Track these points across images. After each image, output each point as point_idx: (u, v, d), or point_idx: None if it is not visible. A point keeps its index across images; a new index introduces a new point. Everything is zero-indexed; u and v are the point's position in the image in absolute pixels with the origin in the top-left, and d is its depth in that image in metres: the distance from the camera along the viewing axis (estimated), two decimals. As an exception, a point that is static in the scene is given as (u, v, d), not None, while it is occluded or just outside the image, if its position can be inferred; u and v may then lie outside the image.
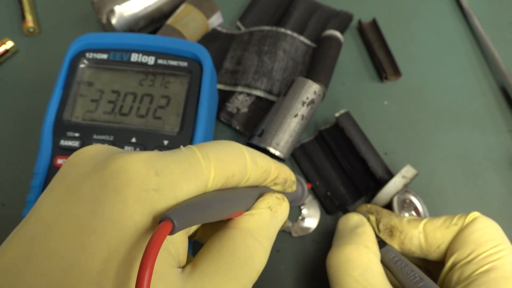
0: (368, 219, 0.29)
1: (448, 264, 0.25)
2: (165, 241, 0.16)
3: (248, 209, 0.21)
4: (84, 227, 0.15)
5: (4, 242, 0.16)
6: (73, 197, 0.16)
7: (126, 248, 0.15)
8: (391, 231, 0.27)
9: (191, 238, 0.24)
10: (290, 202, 0.27)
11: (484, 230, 0.25)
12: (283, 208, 0.23)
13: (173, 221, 0.15)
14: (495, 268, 0.23)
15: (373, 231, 0.28)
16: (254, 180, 0.22)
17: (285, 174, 0.24)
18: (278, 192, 0.24)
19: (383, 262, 0.26)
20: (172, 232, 0.15)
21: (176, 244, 0.17)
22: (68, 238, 0.15)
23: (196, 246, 0.30)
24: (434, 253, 0.26)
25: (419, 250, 0.27)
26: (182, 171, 0.17)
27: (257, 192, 0.22)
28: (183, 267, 0.17)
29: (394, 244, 0.27)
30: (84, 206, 0.15)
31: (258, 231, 0.20)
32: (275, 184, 0.24)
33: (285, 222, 0.32)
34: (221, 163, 0.19)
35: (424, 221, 0.27)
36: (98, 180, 0.16)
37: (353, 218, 0.29)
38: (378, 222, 0.28)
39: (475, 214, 0.26)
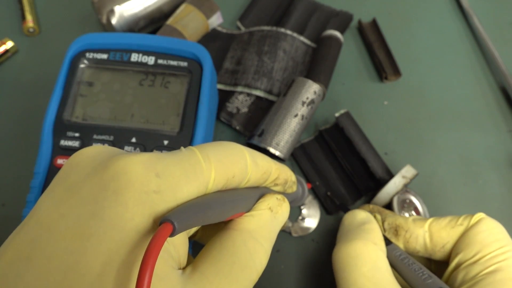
0: (374, 217, 0.29)
1: (453, 264, 0.25)
2: (165, 242, 0.16)
3: (248, 210, 0.21)
4: (84, 229, 0.15)
5: (3, 244, 0.16)
6: (73, 199, 0.16)
7: (126, 250, 0.15)
8: (396, 230, 0.27)
9: (191, 239, 0.24)
10: (291, 202, 0.27)
11: (490, 231, 0.25)
12: (283, 209, 0.23)
13: (174, 223, 0.15)
14: (501, 269, 0.23)
15: (380, 229, 0.28)
16: (254, 181, 0.21)
17: (285, 175, 0.24)
18: (279, 193, 0.24)
19: (389, 260, 0.26)
20: (172, 234, 0.15)
21: (176, 245, 0.17)
22: (68, 240, 0.15)
23: (196, 246, 0.30)
24: (439, 253, 0.26)
25: (423, 250, 0.27)
26: (183, 172, 0.17)
27: (258, 193, 0.22)
28: (184, 269, 0.17)
29: (399, 243, 0.27)
30: (85, 208, 0.15)
31: (258, 232, 0.20)
32: (276, 185, 0.24)
33: (285, 223, 0.32)
34: (222, 164, 0.19)
35: (430, 220, 0.27)
36: (98, 182, 0.16)
37: (360, 215, 0.29)
38: (383, 221, 0.28)
39: (480, 215, 0.26)
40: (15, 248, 0.15)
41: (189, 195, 0.17)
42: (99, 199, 0.15)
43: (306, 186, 0.31)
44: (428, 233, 0.27)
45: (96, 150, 0.18)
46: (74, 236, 0.15)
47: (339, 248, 0.26)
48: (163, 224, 0.15)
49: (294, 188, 0.26)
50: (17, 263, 0.15)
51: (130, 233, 0.15)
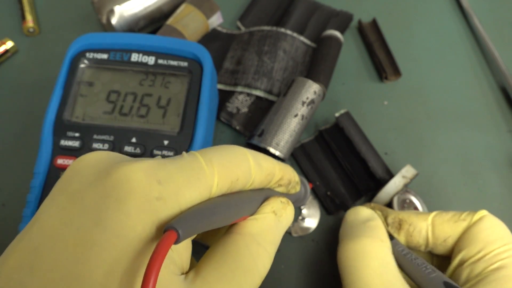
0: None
1: (456, 261, 0.25)
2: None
3: (252, 214, 0.21)
4: (87, 238, 0.15)
5: (5, 251, 0.16)
6: (76, 208, 0.16)
7: (129, 259, 0.15)
8: (399, 224, 0.28)
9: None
10: (294, 202, 0.27)
11: (493, 228, 0.25)
12: (288, 213, 0.23)
13: (178, 230, 0.15)
14: (505, 266, 0.23)
15: (384, 226, 0.28)
16: (258, 183, 0.21)
17: (289, 176, 0.24)
18: (282, 194, 0.24)
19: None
20: (176, 242, 0.15)
21: (179, 251, 0.17)
22: (71, 249, 0.15)
23: (196, 246, 0.30)
24: (440, 246, 0.27)
25: (425, 243, 0.27)
26: (185, 178, 0.17)
27: (262, 196, 0.22)
28: (187, 273, 0.17)
29: (401, 237, 0.28)
30: (87, 217, 0.15)
31: (262, 236, 0.20)
32: (279, 185, 0.24)
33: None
34: (225, 168, 0.19)
35: (433, 214, 0.27)
36: (100, 190, 0.16)
37: (364, 211, 0.29)
38: (385, 216, 0.29)
39: (483, 212, 0.26)
40: (18, 256, 0.15)
41: (192, 201, 0.17)
42: (101, 208, 0.15)
43: (309, 186, 0.31)
44: (431, 226, 0.27)
45: (98, 157, 0.18)
46: (77, 245, 0.15)
47: (345, 245, 0.26)
48: (167, 232, 0.15)
49: (298, 188, 0.26)
50: (20, 271, 0.15)
51: (133, 241, 0.15)
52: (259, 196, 0.22)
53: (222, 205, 0.18)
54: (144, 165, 0.17)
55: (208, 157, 0.19)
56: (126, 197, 0.16)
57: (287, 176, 0.24)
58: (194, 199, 0.17)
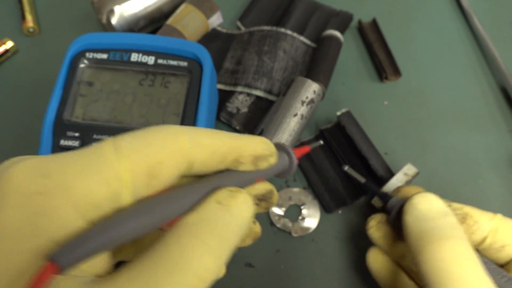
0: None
1: None
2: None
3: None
4: None
5: None
6: None
7: (6, 260, 0.14)
8: (463, 218, 0.25)
9: None
10: (279, 175, 0.23)
11: None
12: (239, 201, 0.18)
13: (59, 263, 0.14)
14: None
15: None
16: (200, 163, 0.18)
17: (253, 151, 0.20)
18: (250, 173, 0.20)
19: None
20: (61, 272, 0.14)
21: None
22: None
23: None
24: (494, 251, 0.25)
25: (479, 245, 0.25)
26: (78, 169, 0.16)
27: (204, 189, 0.18)
28: (102, 275, 0.16)
29: None
30: None
31: (199, 227, 0.17)
32: (241, 163, 0.20)
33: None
34: (138, 152, 0.17)
35: (498, 216, 0.26)
36: None
37: (437, 202, 0.25)
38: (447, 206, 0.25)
39: None
40: None
41: (93, 192, 0.16)
42: None
43: (294, 154, 0.24)
44: (494, 229, 0.25)
45: (12, 161, 0.18)
46: None
47: (437, 246, 0.23)
48: (44, 265, 0.14)
49: (272, 161, 0.21)
50: None
51: (11, 240, 0.15)
52: (200, 189, 0.18)
53: (136, 212, 0.16)
54: (32, 160, 0.16)
55: (118, 143, 0.17)
56: (5, 194, 0.15)
57: (248, 152, 0.20)
58: (95, 189, 0.16)
